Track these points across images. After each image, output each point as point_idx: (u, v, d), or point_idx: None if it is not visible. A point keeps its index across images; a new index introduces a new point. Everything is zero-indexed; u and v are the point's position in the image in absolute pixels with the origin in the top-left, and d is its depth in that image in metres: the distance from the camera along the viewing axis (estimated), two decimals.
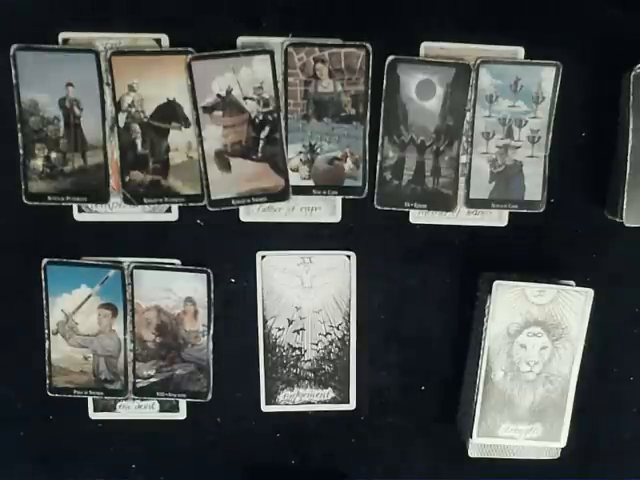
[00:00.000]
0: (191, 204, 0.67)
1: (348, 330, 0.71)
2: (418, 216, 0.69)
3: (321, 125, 0.66)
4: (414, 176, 0.68)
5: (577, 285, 0.68)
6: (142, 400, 0.71)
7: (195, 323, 0.69)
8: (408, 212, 0.69)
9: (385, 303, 0.71)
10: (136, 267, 0.68)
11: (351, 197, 0.68)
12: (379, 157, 0.67)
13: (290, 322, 0.71)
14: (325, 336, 0.71)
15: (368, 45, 0.65)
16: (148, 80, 0.65)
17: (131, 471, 0.74)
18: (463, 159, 0.68)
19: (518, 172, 0.68)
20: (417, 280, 0.71)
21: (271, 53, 0.64)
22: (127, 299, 0.69)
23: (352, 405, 0.72)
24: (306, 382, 0.72)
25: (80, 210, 0.67)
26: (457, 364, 0.72)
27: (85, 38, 0.64)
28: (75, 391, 0.70)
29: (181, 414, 0.72)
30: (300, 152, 0.67)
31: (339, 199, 0.68)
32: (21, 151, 0.65)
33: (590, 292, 0.67)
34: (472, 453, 0.71)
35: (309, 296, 0.70)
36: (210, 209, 0.67)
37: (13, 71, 0.64)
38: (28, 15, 0.64)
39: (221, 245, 0.69)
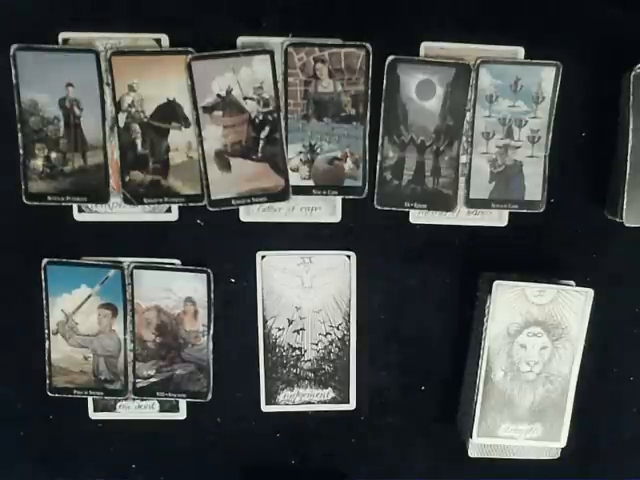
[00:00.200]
0: (191, 204, 0.67)
1: (348, 330, 0.71)
2: (418, 216, 0.69)
3: (321, 125, 0.66)
4: (414, 176, 0.68)
5: (577, 285, 0.68)
6: (142, 400, 0.71)
7: (195, 323, 0.69)
8: (408, 212, 0.69)
9: (385, 303, 0.71)
10: (136, 267, 0.68)
11: (351, 197, 0.68)
12: (379, 157, 0.67)
13: (290, 322, 0.71)
14: (325, 336, 0.71)
15: (368, 45, 0.65)
16: (148, 80, 0.65)
17: (131, 471, 0.74)
18: (463, 159, 0.68)
19: (518, 172, 0.68)
20: (417, 280, 0.71)
21: (271, 53, 0.64)
22: (127, 299, 0.69)
23: (352, 405, 0.72)
24: (306, 382, 0.72)
25: (80, 210, 0.67)
26: (457, 364, 0.72)
27: (85, 38, 0.64)
28: (75, 391, 0.70)
29: (181, 414, 0.72)
30: (300, 152, 0.67)
31: (339, 199, 0.68)
32: (21, 151, 0.65)
33: (590, 292, 0.67)
34: (472, 453, 0.71)
35: (309, 296, 0.70)
36: (210, 209, 0.67)
37: (13, 71, 0.64)
38: (28, 15, 0.64)
39: (221, 245, 0.69)
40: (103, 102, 0.65)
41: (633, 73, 0.64)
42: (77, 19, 0.64)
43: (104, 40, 0.64)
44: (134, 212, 0.68)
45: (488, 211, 0.69)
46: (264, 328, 0.71)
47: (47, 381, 0.70)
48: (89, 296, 0.68)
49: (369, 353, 0.72)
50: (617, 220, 0.67)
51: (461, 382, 0.73)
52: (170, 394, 0.70)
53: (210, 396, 0.71)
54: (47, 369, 0.69)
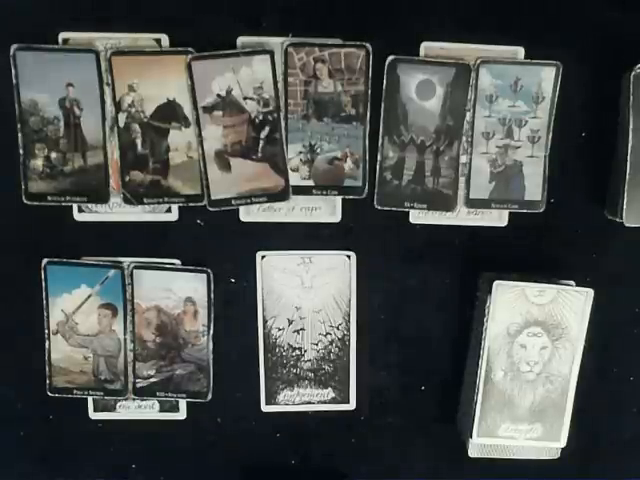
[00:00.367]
0: (191, 204, 0.67)
1: (348, 330, 0.71)
2: (418, 216, 0.69)
3: (321, 125, 0.66)
4: (414, 176, 0.68)
5: (577, 285, 0.68)
6: (142, 400, 0.71)
7: (195, 323, 0.69)
8: (408, 212, 0.69)
9: (385, 303, 0.71)
10: (136, 267, 0.68)
11: (351, 197, 0.68)
12: (379, 157, 0.67)
13: (290, 322, 0.71)
14: (325, 336, 0.71)
15: (368, 45, 0.65)
16: (148, 80, 0.65)
17: (131, 471, 0.74)
18: (463, 159, 0.68)
19: (518, 172, 0.68)
20: (417, 280, 0.71)
21: (271, 53, 0.64)
22: (127, 299, 0.69)
23: (352, 405, 0.72)
24: (306, 382, 0.72)
25: (80, 210, 0.67)
26: (457, 364, 0.72)
27: (85, 38, 0.64)
28: (75, 391, 0.70)
29: (181, 414, 0.72)
30: (300, 152, 0.67)
31: (339, 199, 0.68)
32: (21, 151, 0.65)
33: (590, 292, 0.67)
34: (472, 453, 0.71)
35: (309, 296, 0.70)
36: (210, 209, 0.67)
37: (13, 71, 0.64)
38: (28, 15, 0.64)
39: (221, 245, 0.69)
40: (103, 102, 0.65)
41: (633, 73, 0.64)
42: (77, 19, 0.64)
43: (104, 40, 0.64)
44: (134, 212, 0.68)
45: (488, 211, 0.69)
46: (264, 328, 0.71)
47: (47, 381, 0.70)
48: (89, 296, 0.68)
49: (369, 353, 0.72)
50: (617, 220, 0.67)
51: (461, 382, 0.73)
52: (170, 394, 0.70)
53: (210, 396, 0.71)
54: (47, 369, 0.69)
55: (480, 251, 0.70)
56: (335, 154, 0.67)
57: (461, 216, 0.69)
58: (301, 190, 0.67)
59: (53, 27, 0.64)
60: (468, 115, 0.67)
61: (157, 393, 0.70)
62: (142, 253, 0.69)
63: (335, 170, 0.67)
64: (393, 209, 0.68)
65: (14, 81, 0.64)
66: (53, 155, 0.65)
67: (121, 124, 0.65)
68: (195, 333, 0.70)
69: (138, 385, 0.70)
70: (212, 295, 0.69)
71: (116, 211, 0.67)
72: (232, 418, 0.73)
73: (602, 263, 0.71)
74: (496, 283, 0.67)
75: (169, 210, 0.68)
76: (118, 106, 0.65)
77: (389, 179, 0.68)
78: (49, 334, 0.69)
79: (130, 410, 0.72)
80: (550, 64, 0.66)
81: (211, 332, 0.70)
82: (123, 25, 0.64)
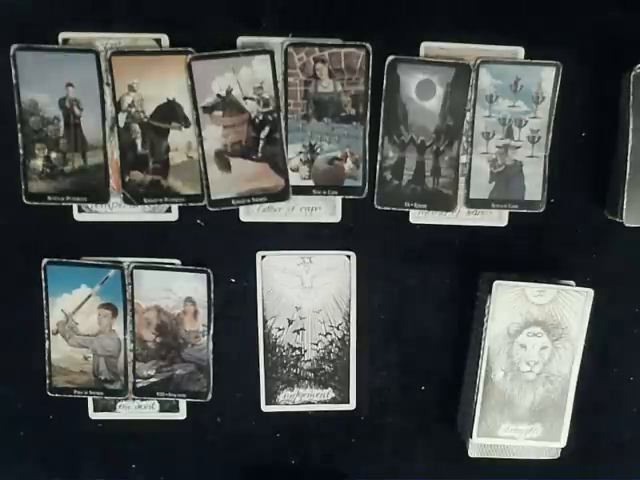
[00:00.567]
0: (191, 204, 0.67)
1: (348, 330, 0.71)
2: (418, 216, 0.69)
3: (321, 125, 0.66)
4: (414, 176, 0.68)
5: (577, 285, 0.68)
6: (142, 400, 0.71)
7: (195, 323, 0.69)
8: (408, 212, 0.69)
9: (385, 303, 0.71)
10: (136, 267, 0.68)
11: (351, 197, 0.68)
12: (379, 157, 0.67)
13: (290, 322, 0.71)
14: (325, 336, 0.71)
15: (368, 45, 0.65)
16: (148, 80, 0.65)
17: (131, 471, 0.74)
18: (463, 159, 0.68)
19: (518, 172, 0.68)
20: (417, 280, 0.71)
21: (271, 53, 0.64)
22: (127, 299, 0.69)
23: (352, 405, 0.72)
24: (306, 382, 0.72)
25: (80, 210, 0.67)
26: (457, 364, 0.72)
27: (85, 38, 0.64)
28: (75, 391, 0.70)
29: (181, 414, 0.72)
30: (300, 152, 0.67)
31: (339, 199, 0.68)
32: (21, 151, 0.65)
33: (590, 292, 0.67)
34: (472, 453, 0.71)
35: (309, 296, 0.70)
36: (210, 209, 0.67)
37: (13, 71, 0.64)
38: (28, 15, 0.64)
39: (221, 245, 0.69)
40: (103, 102, 0.65)
41: (633, 73, 0.64)
42: (77, 19, 0.64)
43: (104, 40, 0.64)
44: (134, 212, 0.68)
45: (488, 211, 0.69)
46: (264, 328, 0.71)
47: (47, 381, 0.70)
48: (89, 296, 0.68)
49: (369, 353, 0.72)
50: (617, 220, 0.67)
51: (461, 382, 0.73)
52: (170, 394, 0.70)
53: (210, 396, 0.71)
54: (47, 369, 0.69)
55: (480, 251, 0.70)
56: (335, 154, 0.67)
57: (461, 216, 0.69)
58: (301, 190, 0.67)
59: (53, 27, 0.64)
60: (468, 115, 0.67)
61: (157, 393, 0.70)
62: (142, 253, 0.69)
63: (335, 170, 0.67)
64: (393, 209, 0.68)
65: (14, 81, 0.64)
66: (53, 155, 0.65)
67: (121, 124, 0.65)
68: (195, 333, 0.70)
69: (138, 385, 0.70)
70: (212, 295, 0.69)
71: (116, 211, 0.67)
72: (232, 418, 0.73)
73: (602, 263, 0.71)
74: (496, 283, 0.67)
75: (169, 210, 0.68)
76: (118, 106, 0.65)
77: (389, 179, 0.68)
78: (49, 334, 0.69)
79: (130, 410, 0.72)
80: (550, 64, 0.66)
81: (211, 332, 0.70)
82: (123, 25, 0.64)
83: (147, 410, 0.72)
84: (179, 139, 0.66)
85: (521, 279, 0.67)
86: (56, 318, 0.68)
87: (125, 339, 0.69)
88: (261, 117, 0.65)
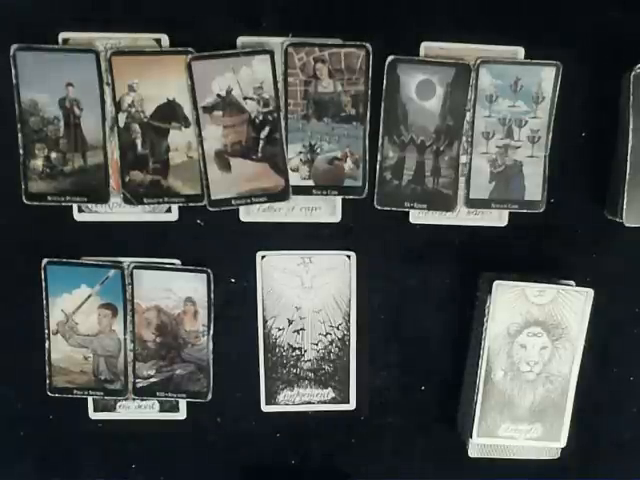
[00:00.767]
0: (191, 204, 0.67)
1: (348, 330, 0.71)
2: (418, 216, 0.69)
3: (321, 125, 0.66)
4: (414, 176, 0.68)
5: (577, 285, 0.68)
6: (142, 400, 0.71)
7: (195, 323, 0.69)
8: (408, 212, 0.69)
9: (385, 303, 0.71)
10: (136, 267, 0.68)
11: (351, 197, 0.68)
12: (379, 157, 0.67)
13: (290, 322, 0.71)
14: (325, 336, 0.71)
15: (368, 45, 0.65)
16: (148, 80, 0.65)
17: (131, 471, 0.74)
18: (463, 159, 0.68)
19: (518, 172, 0.68)
20: (417, 280, 0.71)
21: (271, 53, 0.64)
22: (127, 299, 0.69)
23: (352, 405, 0.72)
24: (306, 382, 0.72)
25: (80, 210, 0.67)
26: (457, 364, 0.72)
27: (85, 38, 0.64)
28: (75, 391, 0.70)
29: (181, 414, 0.72)
30: (300, 152, 0.67)
31: (339, 199, 0.68)
32: (21, 151, 0.65)
33: (590, 292, 0.67)
34: (472, 453, 0.71)
35: (309, 296, 0.70)
36: (210, 209, 0.67)
37: (13, 71, 0.64)
38: (28, 15, 0.64)
39: (221, 245, 0.69)
40: (103, 102, 0.65)
41: (633, 73, 0.64)
42: (77, 19, 0.64)
43: (104, 40, 0.64)
44: (134, 212, 0.68)
45: (488, 211, 0.69)
46: (264, 328, 0.71)
47: (47, 381, 0.70)
48: (89, 296, 0.68)
49: (369, 353, 0.72)
50: (617, 220, 0.67)
51: (461, 382, 0.73)
52: (170, 394, 0.70)
53: (210, 396, 0.71)
54: (47, 369, 0.69)
55: (480, 251, 0.70)
56: (335, 154, 0.67)
57: (461, 216, 0.69)
58: (301, 190, 0.67)
59: (53, 27, 0.64)
60: (468, 115, 0.67)
61: (157, 393, 0.70)
62: (142, 253, 0.69)
63: (335, 170, 0.67)
64: (393, 209, 0.68)
65: (14, 81, 0.64)
66: (53, 155, 0.65)
67: (121, 124, 0.65)
68: (195, 333, 0.70)
69: (138, 385, 0.70)
70: (212, 295, 0.69)
71: (116, 211, 0.67)
72: (232, 418, 0.73)
73: (602, 263, 0.71)
74: (496, 283, 0.67)
75: (169, 210, 0.68)
76: (118, 106, 0.65)
77: (389, 179, 0.68)
78: (49, 334, 0.69)
79: (130, 410, 0.72)
80: (550, 64, 0.66)
81: (211, 332, 0.70)
82: (123, 25, 0.64)
83: (147, 410, 0.72)
84: (179, 139, 0.66)
85: (521, 279, 0.67)
86: (56, 318, 0.68)
87: (125, 339, 0.69)
88: (261, 117, 0.65)
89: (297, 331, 0.71)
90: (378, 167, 0.67)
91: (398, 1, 0.66)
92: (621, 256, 0.71)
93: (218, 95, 0.65)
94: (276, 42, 0.65)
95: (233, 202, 0.67)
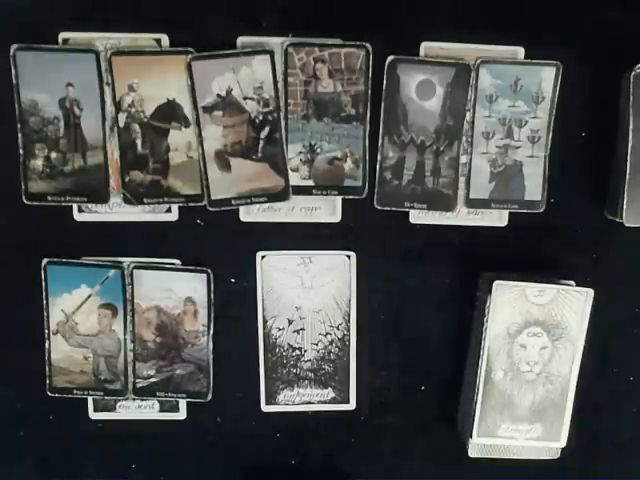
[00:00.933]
0: (191, 204, 0.67)
1: (348, 330, 0.71)
2: (418, 216, 0.69)
3: (321, 125, 0.66)
4: (414, 176, 0.68)
5: (577, 285, 0.68)
6: (142, 400, 0.71)
7: (195, 323, 0.69)
8: (408, 212, 0.69)
9: (385, 303, 0.71)
10: (136, 267, 0.68)
11: (351, 197, 0.68)
12: (379, 157, 0.67)
13: (290, 322, 0.71)
14: (325, 336, 0.71)
15: (368, 45, 0.65)
16: (148, 80, 0.65)
17: (131, 471, 0.74)
18: (463, 159, 0.68)
19: (518, 172, 0.68)
20: (417, 280, 0.71)
21: (271, 53, 0.64)
22: (127, 299, 0.69)
23: (352, 405, 0.72)
24: (306, 382, 0.72)
25: (80, 210, 0.67)
26: (457, 364, 0.72)
27: (85, 38, 0.64)
28: (75, 391, 0.70)
29: (181, 414, 0.72)
30: (300, 152, 0.67)
31: (339, 199, 0.68)
32: (21, 151, 0.65)
33: (590, 292, 0.67)
34: (472, 453, 0.71)
35: (309, 296, 0.70)
36: (210, 209, 0.67)
37: (13, 71, 0.64)
38: (28, 15, 0.64)
39: (221, 245, 0.69)
40: (103, 102, 0.65)
41: (633, 73, 0.64)
42: (77, 19, 0.64)
43: (104, 40, 0.64)
44: (134, 212, 0.68)
45: (488, 211, 0.69)
46: (264, 328, 0.71)
47: (47, 381, 0.70)
48: (89, 296, 0.68)
49: (369, 353, 0.72)
50: (617, 220, 0.67)
51: (461, 382, 0.73)
52: (170, 394, 0.70)
53: (210, 396, 0.71)
54: (47, 369, 0.69)
55: (480, 251, 0.70)
56: (335, 154, 0.67)
57: (461, 216, 0.69)
58: (301, 190, 0.67)
59: (53, 27, 0.64)
60: (468, 115, 0.67)
61: (157, 393, 0.70)
62: (142, 253, 0.69)
63: (335, 170, 0.67)
64: (393, 209, 0.68)
65: (14, 81, 0.64)
66: (53, 155, 0.65)
67: (121, 124, 0.65)
68: (195, 333, 0.70)
69: (138, 385, 0.70)
70: (212, 295, 0.69)
71: (116, 211, 0.67)
72: (232, 418, 0.73)
73: (602, 263, 0.71)
74: (496, 283, 0.67)
75: (169, 210, 0.68)
76: (118, 106, 0.65)
77: (389, 179, 0.68)
78: (49, 334, 0.69)
79: (130, 410, 0.72)
80: (550, 64, 0.66)
81: (211, 332, 0.70)
82: (123, 25, 0.64)
83: (147, 410, 0.72)
84: (179, 139, 0.66)
85: (521, 279, 0.67)
86: (56, 318, 0.68)
87: (125, 339, 0.69)
88: (261, 117, 0.65)
89: (297, 331, 0.71)
90: (378, 167, 0.67)
91: (398, 1, 0.66)
92: (621, 256, 0.71)
93: (218, 95, 0.65)
94: (276, 42, 0.65)
95: (233, 202, 0.67)
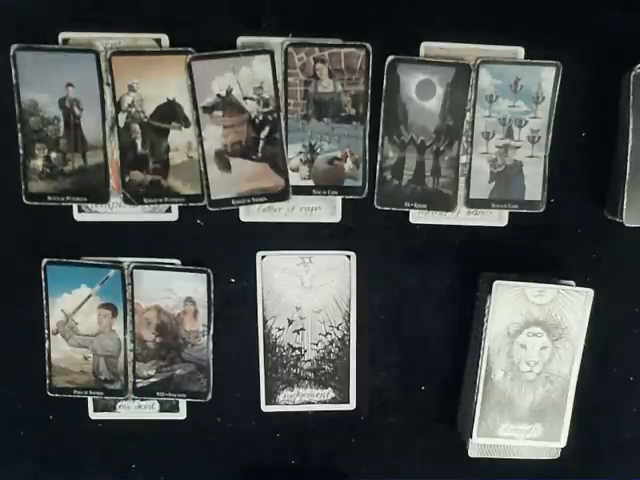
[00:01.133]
0: (191, 204, 0.67)
1: (348, 330, 0.71)
2: (418, 216, 0.69)
3: (321, 125, 0.66)
4: (414, 176, 0.68)
5: (577, 285, 0.68)
6: (142, 400, 0.71)
7: (195, 323, 0.69)
8: (408, 212, 0.69)
9: (385, 303, 0.71)
10: (136, 267, 0.68)
11: (351, 197, 0.68)
12: (379, 157, 0.67)
13: (290, 322, 0.71)
14: (325, 336, 0.71)
15: (368, 45, 0.65)
16: (148, 80, 0.65)
17: (131, 471, 0.74)
18: (463, 159, 0.68)
19: (518, 172, 0.68)
20: (417, 280, 0.71)
21: (271, 53, 0.64)
22: (127, 299, 0.69)
23: (352, 405, 0.72)
24: (306, 382, 0.72)
25: (80, 210, 0.67)
26: (457, 364, 0.72)
27: (85, 38, 0.64)
28: (75, 391, 0.70)
29: (181, 414, 0.72)
30: (300, 152, 0.67)
31: (339, 199, 0.68)
32: (21, 151, 0.65)
33: (590, 292, 0.67)
34: (472, 453, 0.71)
35: (309, 296, 0.70)
36: (210, 209, 0.67)
37: (13, 71, 0.64)
38: (28, 15, 0.64)
39: (221, 245, 0.69)
40: (103, 102, 0.65)
41: (633, 73, 0.64)
42: (77, 19, 0.64)
43: (104, 40, 0.64)
44: (134, 212, 0.68)
45: (488, 211, 0.69)
46: (264, 328, 0.71)
47: (47, 381, 0.70)
48: (89, 296, 0.68)
49: (369, 353, 0.72)
50: (617, 220, 0.67)
51: (461, 382, 0.73)
52: (170, 394, 0.70)
53: (210, 396, 0.71)
54: (47, 369, 0.69)
55: (480, 251, 0.70)
56: (335, 154, 0.67)
57: (461, 216, 0.69)
58: (301, 190, 0.67)
59: (53, 27, 0.64)
60: (468, 115, 0.67)
61: (157, 393, 0.70)
62: (142, 253, 0.69)
63: (335, 170, 0.67)
64: (393, 209, 0.68)
65: (14, 81, 0.64)
66: (53, 155, 0.65)
67: (121, 124, 0.65)
68: (195, 333, 0.70)
69: (138, 385, 0.70)
70: (212, 295, 0.69)
71: (116, 211, 0.67)
72: (232, 418, 0.73)
73: (602, 263, 0.71)
74: (496, 283, 0.67)
75: (169, 210, 0.68)
76: (118, 106, 0.65)
77: (389, 179, 0.68)
78: (49, 334, 0.69)
79: (130, 410, 0.72)
80: (550, 64, 0.66)
81: (211, 332, 0.70)
82: (123, 25, 0.64)
83: (147, 410, 0.72)
84: (179, 139, 0.66)
85: (521, 279, 0.67)
86: (56, 318, 0.68)
87: (125, 339, 0.69)
88: (261, 117, 0.65)
89: (297, 331, 0.71)
90: (378, 167, 0.67)
91: (398, 1, 0.66)
92: (621, 256, 0.71)
93: (218, 95, 0.65)
94: (276, 42, 0.65)
95: (233, 202, 0.67)
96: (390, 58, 0.65)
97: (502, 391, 0.69)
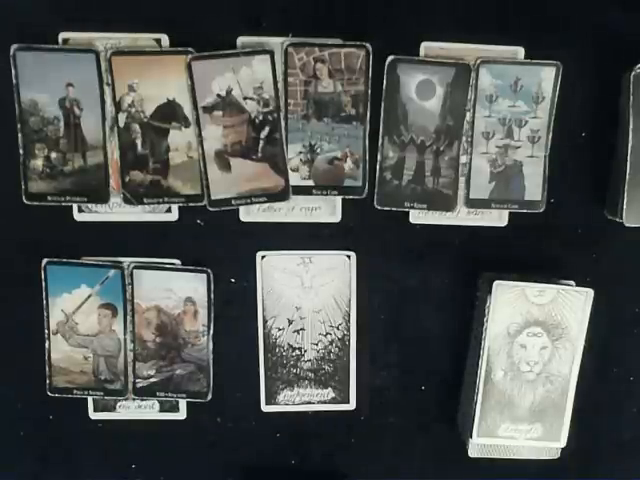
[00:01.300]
0: (191, 204, 0.67)
1: (348, 330, 0.71)
2: (418, 216, 0.69)
3: (321, 125, 0.66)
4: (414, 176, 0.68)
5: (577, 285, 0.68)
6: (142, 400, 0.71)
7: (195, 323, 0.69)
8: (408, 212, 0.69)
9: (385, 303, 0.71)
10: (136, 267, 0.68)
11: (351, 197, 0.68)
12: (379, 157, 0.67)
13: (290, 322, 0.71)
14: (325, 336, 0.71)
15: (368, 45, 0.65)
16: (148, 80, 0.65)
17: (131, 471, 0.74)
18: (463, 159, 0.68)
19: (518, 172, 0.68)
20: (417, 280, 0.71)
21: (271, 53, 0.64)
22: (127, 299, 0.69)
23: (352, 405, 0.72)
24: (306, 382, 0.72)
25: (80, 210, 0.67)
26: (457, 364, 0.72)
27: (85, 38, 0.64)
28: (75, 391, 0.70)
29: (181, 414, 0.72)
30: (300, 152, 0.67)
31: (339, 199, 0.68)
32: (21, 151, 0.65)
33: (590, 292, 0.67)
34: (472, 453, 0.71)
35: (309, 296, 0.70)
36: (210, 209, 0.67)
37: (13, 71, 0.64)
38: (28, 15, 0.64)
39: (221, 245, 0.69)
40: (103, 102, 0.65)
41: (633, 73, 0.64)
42: (77, 19, 0.64)
43: (104, 40, 0.64)
44: (134, 212, 0.68)
45: (488, 211, 0.69)
46: (264, 328, 0.71)
47: (47, 381, 0.70)
48: (89, 296, 0.68)
49: (369, 353, 0.72)
50: (617, 220, 0.67)
51: (461, 382, 0.73)
52: (170, 394, 0.70)
53: (210, 396, 0.71)
54: (47, 369, 0.69)
55: (480, 251, 0.70)
56: (335, 154, 0.67)
57: (461, 216, 0.69)
58: (301, 190, 0.67)
59: (53, 27, 0.64)
60: (468, 115, 0.67)
61: (157, 393, 0.70)
62: (142, 253, 0.69)
63: (335, 170, 0.67)
64: (393, 209, 0.68)
65: (14, 81, 0.64)
66: (53, 155, 0.65)
67: (121, 124, 0.65)
68: (195, 333, 0.70)
69: (138, 385, 0.70)
70: (212, 295, 0.69)
71: (116, 211, 0.67)
72: (232, 418, 0.73)
73: (602, 263, 0.71)
74: (496, 283, 0.67)
75: (169, 210, 0.68)
76: (118, 106, 0.65)
77: (389, 179, 0.68)
78: (49, 334, 0.69)
79: (130, 410, 0.72)
80: (550, 64, 0.66)
81: (211, 332, 0.70)
82: (123, 25, 0.64)
83: (147, 410, 0.72)
84: (179, 139, 0.66)
85: (521, 279, 0.67)
86: (56, 318, 0.68)
87: (125, 339, 0.69)
88: (261, 117, 0.65)
89: (297, 331, 0.71)
90: (378, 167, 0.67)
91: (398, 1, 0.66)
92: (621, 256, 0.71)
93: (218, 95, 0.65)
94: (276, 42, 0.65)
95: (233, 202, 0.67)
96: (390, 58, 0.65)
97: (502, 391, 0.69)
